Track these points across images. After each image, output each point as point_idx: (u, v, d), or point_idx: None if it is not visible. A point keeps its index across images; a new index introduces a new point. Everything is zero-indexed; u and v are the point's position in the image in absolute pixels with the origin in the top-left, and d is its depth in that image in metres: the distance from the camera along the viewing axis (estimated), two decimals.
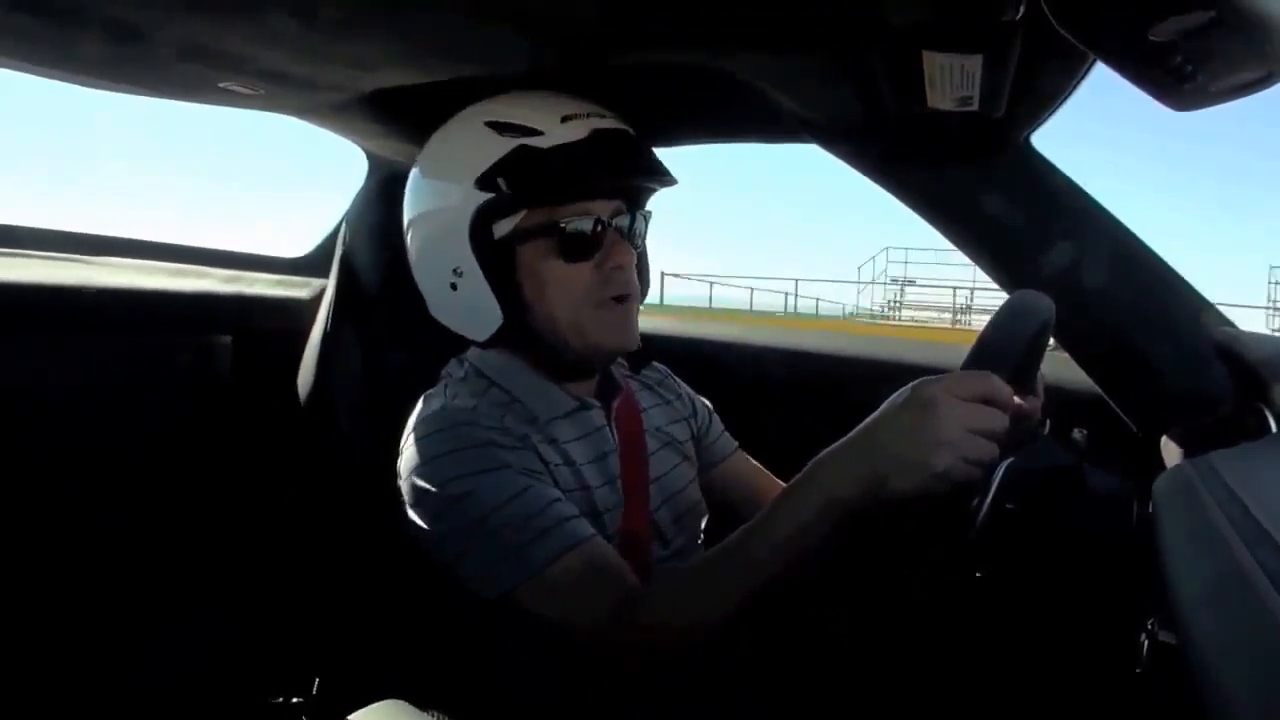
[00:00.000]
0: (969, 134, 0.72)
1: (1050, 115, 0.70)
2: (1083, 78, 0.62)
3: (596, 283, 0.69)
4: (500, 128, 0.69)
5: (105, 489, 0.98)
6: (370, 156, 1.15)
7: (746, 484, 0.89)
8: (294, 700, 0.85)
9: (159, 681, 1.01)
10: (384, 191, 1.10)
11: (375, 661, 0.80)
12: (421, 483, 0.66)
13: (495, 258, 0.69)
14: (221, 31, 0.72)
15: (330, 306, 0.91)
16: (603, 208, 0.70)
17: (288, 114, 1.02)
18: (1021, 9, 0.50)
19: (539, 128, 0.68)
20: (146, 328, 1.04)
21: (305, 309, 1.09)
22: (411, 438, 0.69)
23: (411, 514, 0.67)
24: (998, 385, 0.49)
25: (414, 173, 0.76)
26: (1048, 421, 0.69)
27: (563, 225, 0.68)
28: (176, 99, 0.96)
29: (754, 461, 0.91)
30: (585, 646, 0.61)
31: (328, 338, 0.91)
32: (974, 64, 0.57)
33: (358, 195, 1.15)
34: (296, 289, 1.18)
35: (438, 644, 0.77)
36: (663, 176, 0.73)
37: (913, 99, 0.65)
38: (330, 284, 0.94)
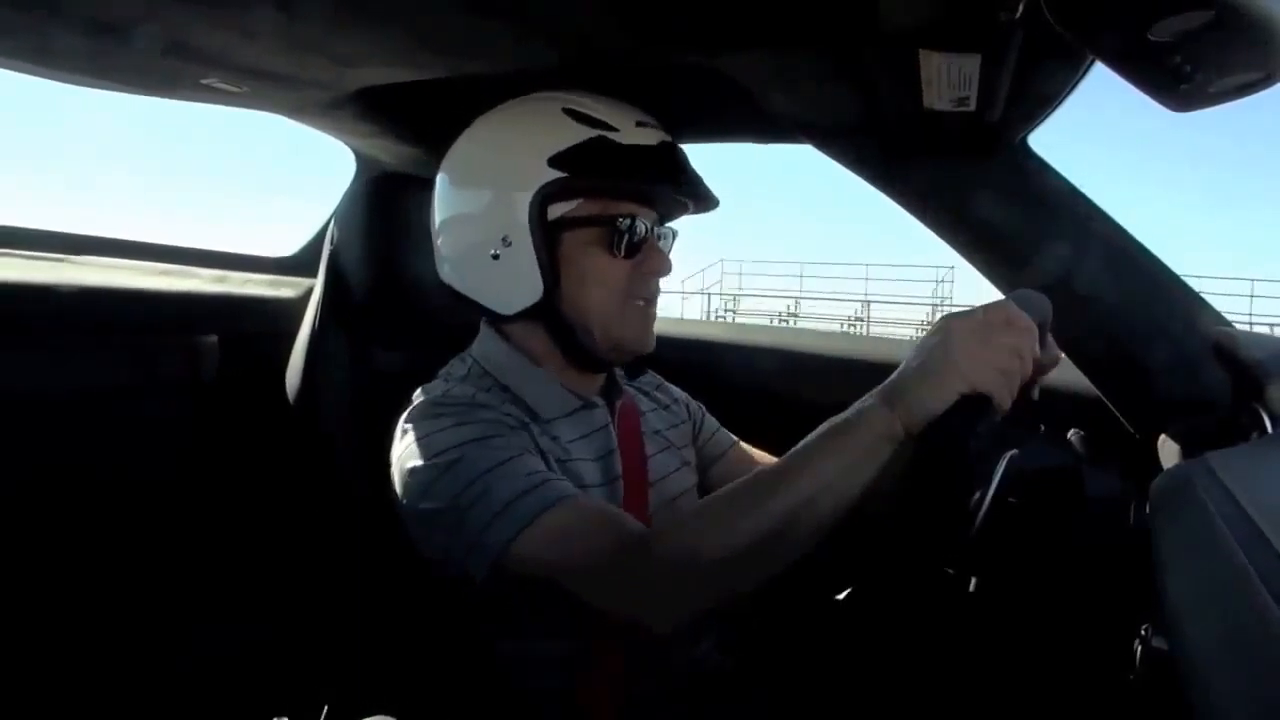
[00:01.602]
0: (966, 135, 0.72)
1: (1047, 116, 0.70)
2: (1080, 78, 0.62)
3: (632, 282, 0.72)
4: (578, 116, 0.71)
5: (88, 494, 0.96)
6: (359, 156, 1.14)
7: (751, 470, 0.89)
8: None
9: (146, 689, 0.99)
10: (373, 191, 1.09)
11: (365, 675, 0.79)
12: (414, 459, 0.65)
13: (545, 236, 0.71)
14: (202, 26, 0.70)
15: (318, 307, 0.90)
16: (646, 214, 0.73)
17: (272, 112, 1.00)
18: (1020, 8, 0.49)
19: (616, 125, 0.71)
20: (131, 328, 1.02)
21: (293, 309, 1.07)
22: (405, 421, 0.69)
23: (404, 496, 0.66)
24: (1015, 312, 0.53)
25: (468, 145, 0.75)
26: (1041, 426, 0.69)
27: (619, 221, 0.70)
28: (157, 95, 0.95)
29: (755, 450, 0.90)
30: (591, 591, 0.59)
31: (315, 338, 0.90)
32: (971, 64, 0.57)
33: (346, 194, 1.14)
34: (284, 289, 1.17)
35: (429, 657, 0.76)
36: (710, 200, 0.76)
37: (909, 100, 0.65)
38: (318, 284, 0.92)
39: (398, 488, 0.67)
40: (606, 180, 0.70)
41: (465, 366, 0.76)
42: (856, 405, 0.55)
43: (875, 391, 0.56)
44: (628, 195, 0.72)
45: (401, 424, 0.69)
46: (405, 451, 0.67)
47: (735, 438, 0.90)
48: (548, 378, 0.74)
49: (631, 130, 0.71)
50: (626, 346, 0.74)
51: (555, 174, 0.69)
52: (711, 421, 0.90)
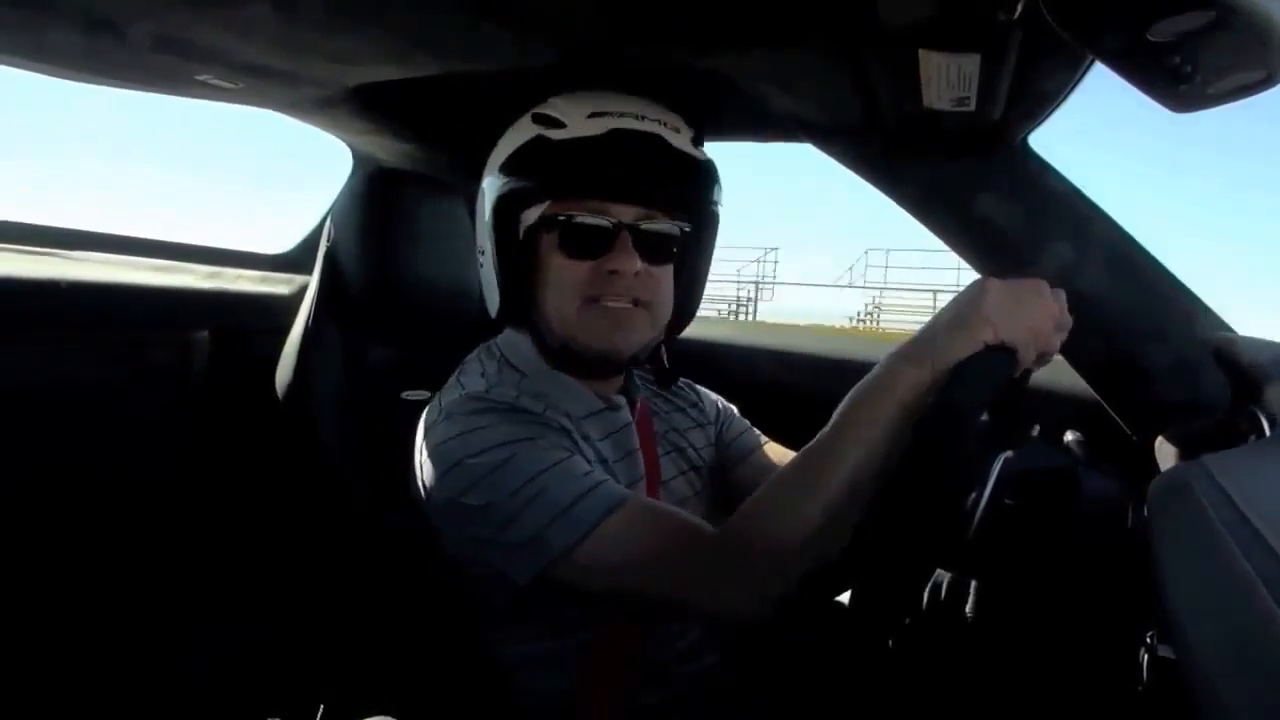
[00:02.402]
0: (966, 135, 0.72)
1: (1048, 116, 0.70)
2: (1080, 78, 0.62)
3: (590, 282, 0.69)
4: (537, 118, 0.71)
5: (80, 489, 0.96)
6: (355, 153, 1.14)
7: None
8: None
9: (141, 686, 0.98)
10: (371, 188, 1.08)
11: (362, 674, 0.78)
12: (459, 454, 0.63)
13: (513, 243, 0.70)
14: (198, 23, 0.70)
15: (313, 303, 0.90)
16: (621, 210, 0.68)
17: (269, 108, 1.00)
18: (1019, 8, 0.49)
19: (563, 120, 0.69)
20: (124, 323, 1.02)
21: (286, 305, 1.07)
22: (445, 413, 0.67)
23: (440, 488, 0.64)
24: (1045, 285, 0.55)
25: None
26: (1036, 427, 0.69)
27: (562, 219, 0.68)
28: (152, 91, 0.94)
29: (784, 450, 0.87)
30: (668, 588, 0.59)
31: (309, 334, 0.89)
32: (971, 64, 0.57)
33: (342, 191, 1.13)
34: (277, 285, 1.16)
35: (427, 657, 0.75)
36: (666, 188, 0.70)
37: (910, 99, 0.64)
38: (314, 280, 0.92)
39: (429, 479, 0.65)
40: (538, 180, 0.69)
41: (494, 359, 0.75)
42: (877, 369, 0.56)
43: (896, 351, 0.55)
44: (586, 192, 0.68)
45: (437, 414, 0.68)
46: (444, 445, 0.65)
47: (763, 440, 0.88)
48: (568, 378, 0.73)
49: (580, 124, 0.68)
50: (584, 349, 0.70)
51: (504, 180, 0.69)
52: (740, 423, 0.89)
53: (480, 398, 0.67)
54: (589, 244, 0.68)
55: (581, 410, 0.72)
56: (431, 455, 0.66)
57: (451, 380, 0.73)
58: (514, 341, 0.75)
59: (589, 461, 0.66)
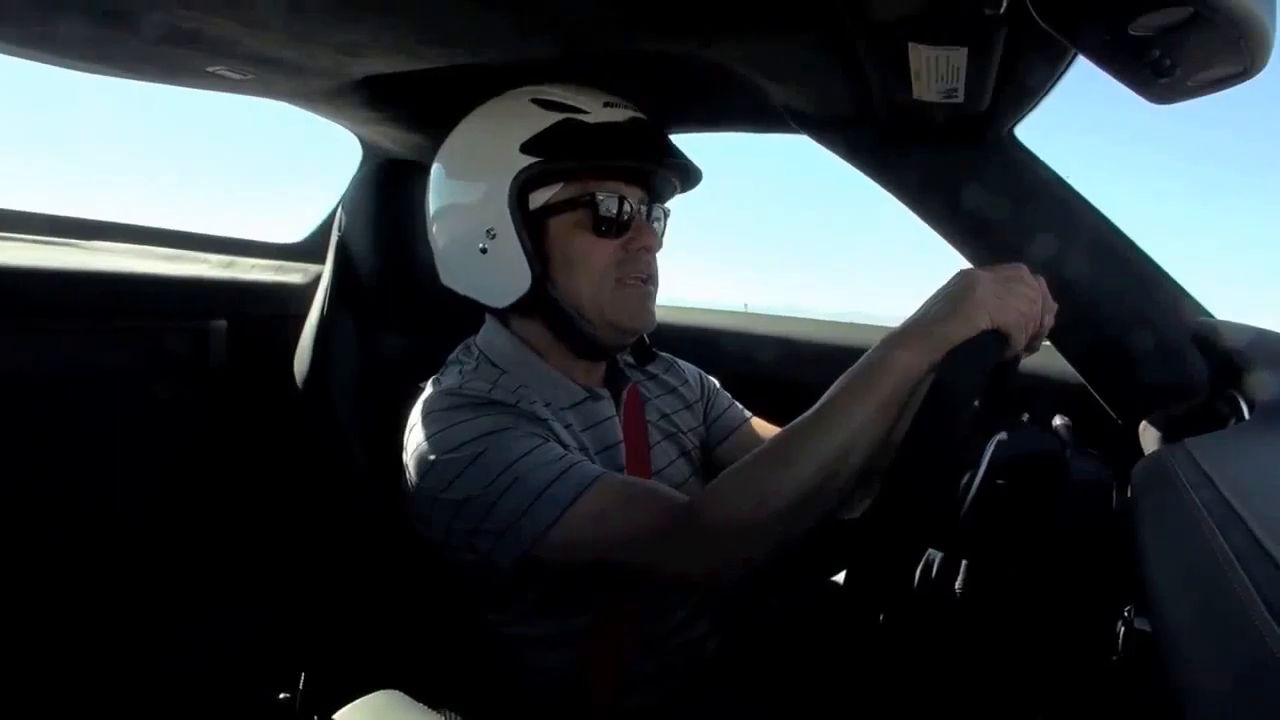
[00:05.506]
0: (955, 126, 0.73)
1: (1033, 108, 0.71)
2: (1064, 72, 0.63)
3: (621, 261, 0.72)
4: (546, 104, 0.72)
5: (98, 477, 0.98)
6: (364, 143, 1.15)
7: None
8: (281, 695, 0.86)
9: (152, 674, 1.01)
10: (379, 178, 1.10)
11: (370, 651, 0.81)
12: (436, 451, 0.65)
13: (529, 225, 0.71)
14: (209, 14, 0.71)
15: (327, 292, 0.92)
16: (632, 193, 0.72)
17: (279, 99, 1.01)
18: (1004, 3, 0.50)
19: (584, 107, 0.71)
20: (140, 312, 1.03)
21: (301, 294, 1.09)
22: (423, 411, 0.69)
23: (423, 486, 0.66)
24: (1027, 270, 0.57)
25: (448, 146, 0.77)
26: (1026, 414, 0.71)
27: (599, 199, 0.70)
28: (163, 83, 0.96)
29: (767, 425, 0.90)
30: (642, 560, 0.60)
31: (324, 323, 0.91)
32: (958, 57, 0.58)
33: (353, 181, 1.14)
34: (291, 274, 1.18)
35: (434, 633, 0.77)
36: (692, 172, 0.76)
37: (900, 91, 0.66)
38: (327, 270, 0.94)
39: (413, 476, 0.67)
40: (580, 160, 0.70)
41: (473, 358, 0.75)
42: (870, 354, 0.57)
43: (888, 338, 0.57)
44: (607, 173, 0.71)
45: (418, 413, 0.69)
46: (424, 443, 0.66)
47: (748, 414, 0.90)
48: (551, 370, 0.74)
49: (600, 110, 0.71)
50: (624, 327, 0.73)
51: (529, 160, 0.69)
52: (724, 398, 0.90)
53: (454, 392, 0.68)
54: (619, 223, 0.71)
55: (564, 401, 0.73)
56: (412, 454, 0.67)
57: (433, 379, 0.74)
58: (492, 339, 0.76)
59: (565, 446, 0.67)
